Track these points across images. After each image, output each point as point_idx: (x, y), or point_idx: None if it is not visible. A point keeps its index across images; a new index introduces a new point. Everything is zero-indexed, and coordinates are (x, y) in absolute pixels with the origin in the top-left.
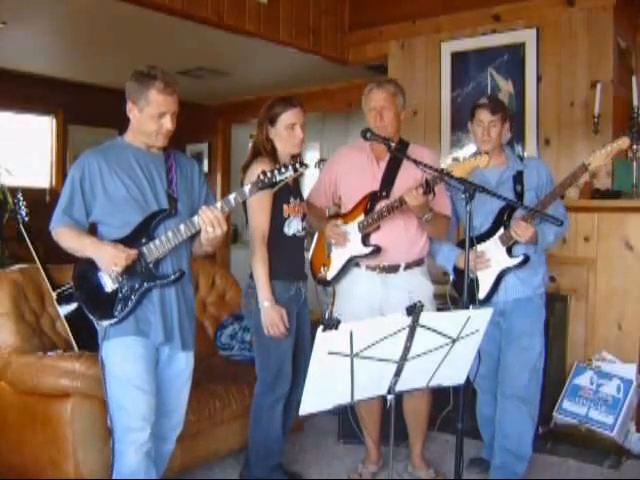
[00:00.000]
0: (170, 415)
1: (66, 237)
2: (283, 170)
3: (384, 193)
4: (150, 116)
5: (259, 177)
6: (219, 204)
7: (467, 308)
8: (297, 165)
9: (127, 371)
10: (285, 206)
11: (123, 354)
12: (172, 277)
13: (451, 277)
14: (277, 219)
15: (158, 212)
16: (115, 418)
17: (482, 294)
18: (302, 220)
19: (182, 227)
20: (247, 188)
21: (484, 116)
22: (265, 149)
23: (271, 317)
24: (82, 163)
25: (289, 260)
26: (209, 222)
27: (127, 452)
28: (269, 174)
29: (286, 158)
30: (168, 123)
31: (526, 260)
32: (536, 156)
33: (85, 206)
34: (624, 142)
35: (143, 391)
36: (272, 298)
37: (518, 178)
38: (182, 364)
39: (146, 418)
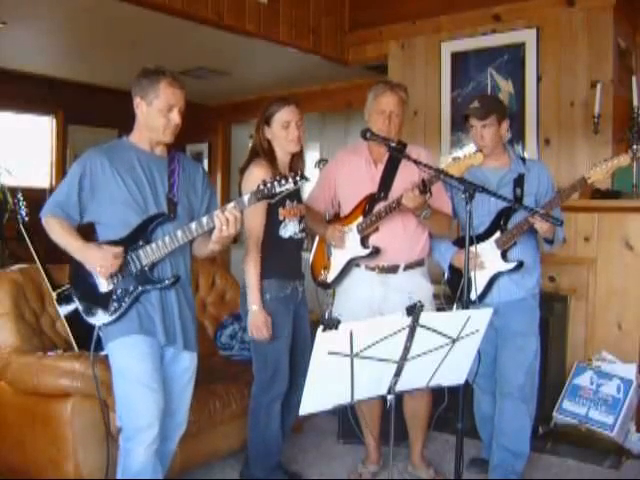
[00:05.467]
0: (173, 414)
1: (56, 231)
2: (283, 182)
3: (382, 195)
4: (159, 109)
5: (259, 187)
6: (216, 212)
7: (466, 308)
8: (297, 177)
9: (134, 370)
10: (281, 209)
11: (129, 353)
12: (167, 282)
13: (445, 275)
14: (273, 222)
15: (157, 215)
16: (124, 417)
17: (474, 295)
18: (300, 222)
19: (179, 233)
20: (246, 198)
21: (473, 122)
22: (263, 150)
23: (256, 321)
24: (85, 160)
25: (285, 261)
26: (225, 221)
27: (136, 451)
28: (269, 185)
29: (285, 158)
30: (176, 117)
31: (520, 265)
32: (536, 156)
33: (80, 204)
34: (624, 159)
35: (151, 389)
36: (261, 302)
37: (519, 181)
38: (186, 362)
39: (155, 416)
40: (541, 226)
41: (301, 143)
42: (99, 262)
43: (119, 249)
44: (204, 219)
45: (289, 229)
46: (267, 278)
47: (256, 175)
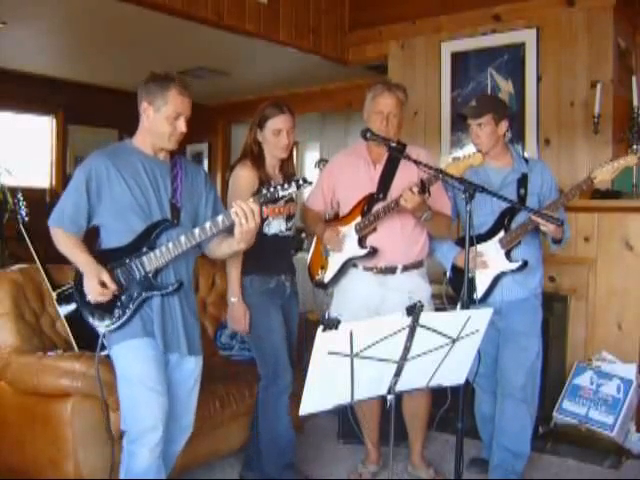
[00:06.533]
0: (179, 418)
1: (62, 243)
2: (286, 186)
3: (381, 195)
4: (166, 116)
5: (262, 191)
6: (220, 218)
7: (467, 308)
8: (300, 182)
9: (139, 373)
10: (264, 208)
11: (134, 356)
12: (170, 288)
13: (447, 274)
14: None
15: (160, 222)
16: (128, 420)
17: (478, 295)
18: (287, 221)
19: (182, 239)
20: (250, 202)
21: (470, 121)
22: (252, 152)
23: (234, 313)
24: (89, 164)
25: (269, 256)
26: (242, 215)
27: (140, 453)
28: (272, 189)
29: (273, 162)
30: (183, 126)
31: (524, 265)
32: (536, 156)
33: (89, 209)
34: (632, 159)
35: (156, 392)
36: (240, 295)
37: (522, 181)
38: (191, 366)
39: (160, 418)
40: (549, 227)
41: (289, 150)
42: (90, 290)
43: (112, 288)
44: (207, 224)
45: (273, 227)
46: (249, 274)
47: (240, 176)
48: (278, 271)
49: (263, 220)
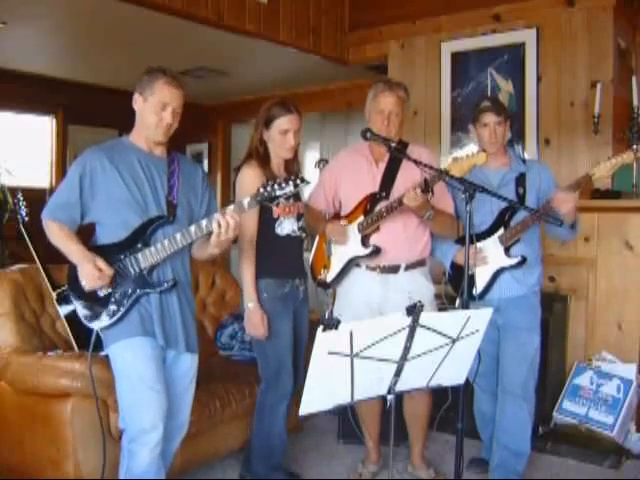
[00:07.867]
0: (176, 415)
1: (55, 235)
2: (283, 185)
3: (383, 194)
4: (153, 106)
5: (259, 190)
6: (216, 216)
7: (466, 307)
8: (297, 181)
9: (139, 372)
10: (274, 207)
11: (133, 355)
12: (165, 285)
13: (447, 272)
14: (267, 220)
15: (156, 218)
16: (127, 419)
17: (477, 291)
18: (298, 220)
19: (178, 236)
20: (246, 202)
21: (489, 118)
22: (258, 151)
23: (252, 319)
24: (84, 160)
25: (283, 259)
26: (225, 225)
27: (141, 452)
28: (269, 188)
29: (278, 161)
30: (169, 117)
31: (523, 261)
32: (536, 156)
33: (82, 204)
34: (629, 156)
35: (155, 391)
36: (257, 300)
37: (520, 180)
38: (187, 363)
39: (159, 417)
40: (566, 206)
41: (295, 151)
42: (86, 276)
43: (109, 272)
44: (203, 222)
45: (285, 227)
46: (264, 277)
47: (247, 176)
48: (292, 274)
49: (274, 220)
